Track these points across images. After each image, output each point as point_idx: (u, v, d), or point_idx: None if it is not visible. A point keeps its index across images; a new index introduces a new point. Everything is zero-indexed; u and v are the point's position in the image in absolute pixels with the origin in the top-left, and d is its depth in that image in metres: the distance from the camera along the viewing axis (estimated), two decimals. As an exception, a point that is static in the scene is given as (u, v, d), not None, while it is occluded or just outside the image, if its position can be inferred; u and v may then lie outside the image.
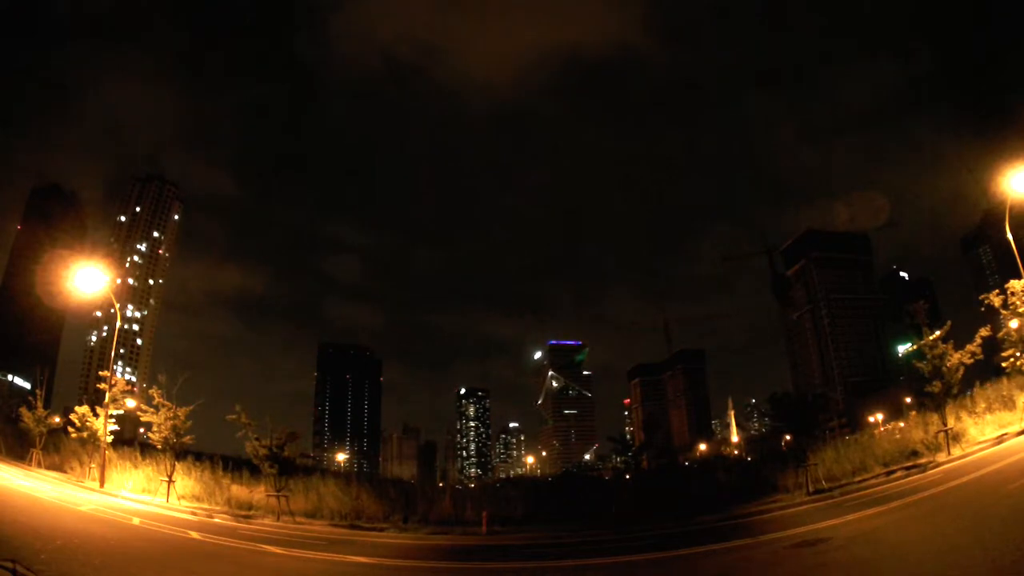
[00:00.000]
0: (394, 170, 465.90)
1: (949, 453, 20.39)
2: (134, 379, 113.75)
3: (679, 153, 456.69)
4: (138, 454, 24.34)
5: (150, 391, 23.06)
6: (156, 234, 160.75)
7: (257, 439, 22.27)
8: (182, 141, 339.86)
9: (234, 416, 22.50)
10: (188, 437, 22.49)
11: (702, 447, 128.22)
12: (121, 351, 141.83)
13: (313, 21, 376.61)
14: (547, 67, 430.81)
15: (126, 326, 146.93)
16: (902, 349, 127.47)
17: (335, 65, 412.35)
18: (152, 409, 22.51)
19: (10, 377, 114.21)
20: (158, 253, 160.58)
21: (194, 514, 19.00)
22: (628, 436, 69.81)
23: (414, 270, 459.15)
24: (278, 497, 21.25)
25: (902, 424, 39.25)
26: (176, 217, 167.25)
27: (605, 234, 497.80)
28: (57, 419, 29.59)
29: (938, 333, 22.75)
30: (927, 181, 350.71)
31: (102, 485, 21.51)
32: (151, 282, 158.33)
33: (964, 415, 22.70)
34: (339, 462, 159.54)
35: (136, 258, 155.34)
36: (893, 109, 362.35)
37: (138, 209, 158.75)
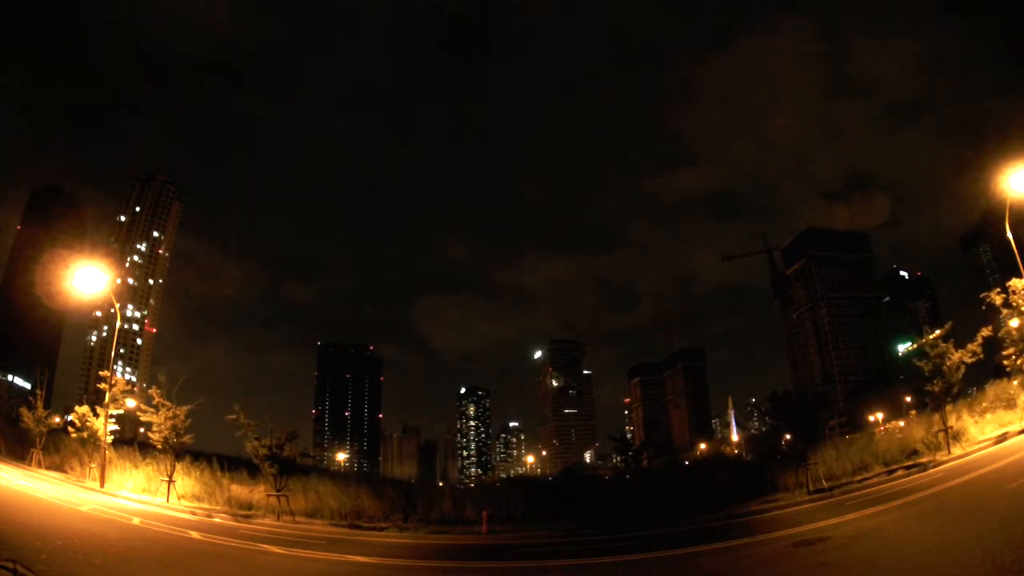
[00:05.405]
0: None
1: (950, 452, 20.41)
2: (134, 379, 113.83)
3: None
4: (138, 454, 24.32)
5: (150, 391, 23.10)
6: (156, 234, 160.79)
7: (257, 439, 22.24)
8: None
9: (234, 416, 22.50)
10: (188, 437, 22.54)
11: (702, 446, 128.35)
12: (121, 351, 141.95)
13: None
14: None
15: (126, 326, 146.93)
16: (902, 348, 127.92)
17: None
18: (152, 409, 22.54)
19: (10, 377, 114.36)
20: (158, 253, 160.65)
21: (194, 514, 19.00)
22: (628, 435, 69.96)
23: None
24: (278, 497, 21.24)
25: (902, 423, 39.30)
26: (176, 217, 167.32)
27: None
28: (57, 419, 29.68)
29: (938, 332, 22.78)
30: (927, 180, 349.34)
31: (102, 485, 21.53)
32: (151, 282, 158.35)
33: (965, 414, 22.73)
34: (339, 462, 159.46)
35: (136, 258, 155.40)
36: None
37: (138, 209, 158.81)
